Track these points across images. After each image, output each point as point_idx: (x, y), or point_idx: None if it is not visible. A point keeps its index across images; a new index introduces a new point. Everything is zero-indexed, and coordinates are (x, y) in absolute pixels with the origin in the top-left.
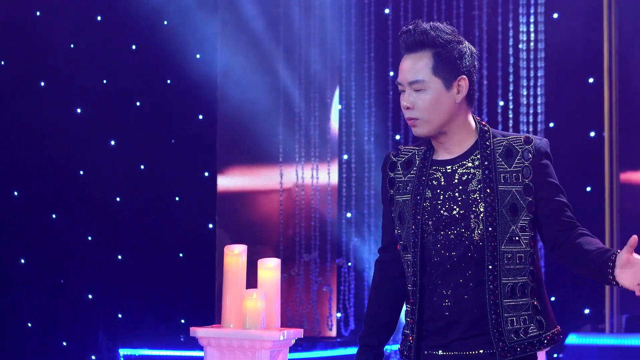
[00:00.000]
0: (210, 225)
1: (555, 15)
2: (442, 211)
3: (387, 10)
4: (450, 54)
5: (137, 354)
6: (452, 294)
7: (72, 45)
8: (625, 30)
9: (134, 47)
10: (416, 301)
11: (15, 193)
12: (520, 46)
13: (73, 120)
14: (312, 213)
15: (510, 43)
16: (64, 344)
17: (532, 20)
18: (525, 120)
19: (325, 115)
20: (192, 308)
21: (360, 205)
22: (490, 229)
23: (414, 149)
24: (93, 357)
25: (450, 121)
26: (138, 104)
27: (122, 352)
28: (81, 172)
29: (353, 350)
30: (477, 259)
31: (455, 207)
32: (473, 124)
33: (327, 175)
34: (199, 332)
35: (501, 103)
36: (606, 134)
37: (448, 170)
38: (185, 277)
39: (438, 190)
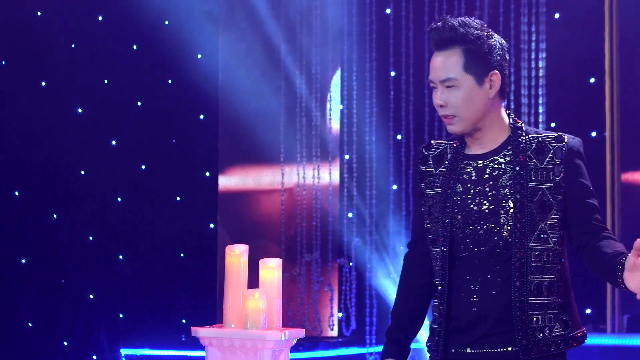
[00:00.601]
0: (212, 225)
1: (557, 15)
2: (472, 206)
3: (388, 10)
4: (480, 49)
5: (138, 354)
6: (480, 290)
7: (72, 45)
8: (627, 30)
9: (135, 47)
10: (444, 296)
11: (16, 193)
12: (521, 46)
13: (74, 120)
14: (314, 213)
15: (512, 43)
16: (65, 344)
17: (533, 20)
18: (526, 120)
19: (326, 115)
20: (193, 308)
21: (361, 205)
22: (518, 225)
23: (446, 143)
24: (94, 357)
25: (484, 117)
26: (139, 104)
27: (124, 352)
28: (82, 172)
29: (354, 350)
30: (505, 255)
31: (485, 202)
32: (506, 119)
33: (329, 175)
34: (200, 332)
35: (502, 103)
36: (607, 134)
37: (479, 165)
38: (187, 277)
39: (468, 185)
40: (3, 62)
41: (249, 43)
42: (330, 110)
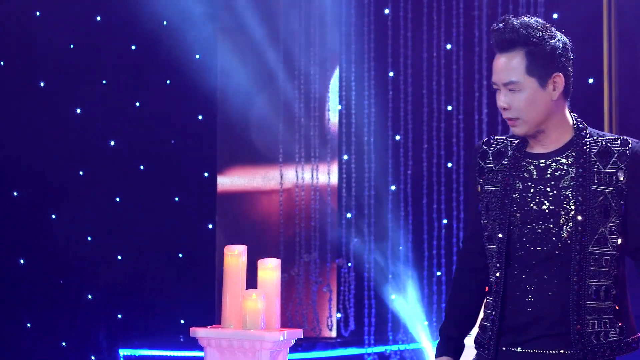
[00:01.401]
0: (210, 226)
1: (555, 16)
2: (531, 204)
3: (386, 11)
4: (543, 51)
5: (137, 354)
6: (536, 290)
7: (72, 45)
8: (626, 30)
9: (133, 47)
10: (499, 294)
11: (15, 193)
12: None
13: (73, 121)
14: (312, 213)
15: None
16: (64, 344)
17: None
18: None
19: (325, 115)
20: (191, 308)
21: (360, 206)
22: (579, 228)
23: (507, 140)
24: (93, 358)
25: (548, 119)
26: (138, 104)
27: (122, 352)
28: (81, 173)
29: (353, 351)
30: (563, 257)
31: (545, 201)
32: (570, 120)
33: (327, 175)
34: (199, 332)
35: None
36: None
37: (541, 164)
38: (185, 277)
39: (529, 183)
40: (2, 62)
41: (247, 43)
42: (329, 110)
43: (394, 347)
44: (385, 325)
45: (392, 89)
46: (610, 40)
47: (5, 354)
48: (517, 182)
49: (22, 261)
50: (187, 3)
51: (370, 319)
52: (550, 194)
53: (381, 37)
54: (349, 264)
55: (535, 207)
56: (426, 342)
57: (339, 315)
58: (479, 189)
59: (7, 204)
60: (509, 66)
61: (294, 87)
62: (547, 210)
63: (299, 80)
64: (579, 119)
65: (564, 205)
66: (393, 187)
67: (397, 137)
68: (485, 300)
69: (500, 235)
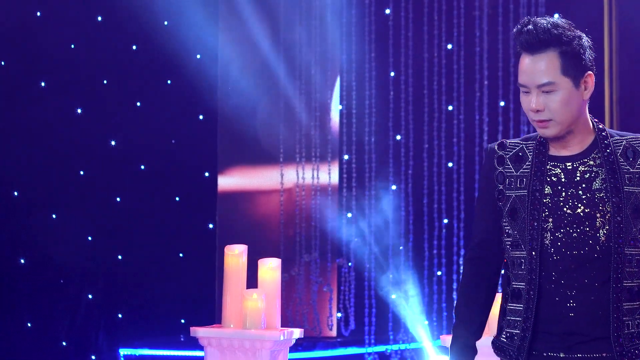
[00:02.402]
0: (211, 226)
1: (556, 16)
2: (564, 209)
3: (387, 11)
4: (575, 50)
5: (137, 354)
6: (577, 295)
7: (72, 45)
8: (627, 29)
9: (134, 47)
10: (531, 300)
11: (15, 193)
12: None
13: (73, 120)
14: (313, 213)
15: (511, 44)
16: (64, 343)
17: None
18: (525, 120)
19: (325, 115)
20: (192, 308)
21: (360, 206)
22: (617, 230)
23: (522, 143)
24: (93, 357)
25: (577, 119)
26: (138, 104)
27: (122, 352)
28: (81, 172)
29: (353, 350)
30: (601, 259)
31: (579, 205)
32: (590, 121)
33: (328, 175)
34: (199, 332)
35: (502, 103)
36: None
37: (568, 167)
38: (186, 277)
39: (559, 187)
40: (3, 62)
41: (248, 43)
42: (330, 110)
43: (395, 347)
44: (386, 325)
45: (393, 89)
46: (611, 40)
47: (6, 353)
48: (546, 186)
49: (22, 261)
50: (188, 3)
51: (371, 319)
52: (584, 197)
53: (382, 37)
54: (350, 264)
55: (569, 210)
56: (426, 342)
57: (339, 314)
58: (500, 195)
59: (7, 204)
60: (543, 67)
61: (295, 86)
62: (582, 214)
63: (300, 79)
64: (595, 120)
65: (600, 208)
66: (394, 187)
67: (398, 137)
68: (506, 307)
69: (532, 241)
